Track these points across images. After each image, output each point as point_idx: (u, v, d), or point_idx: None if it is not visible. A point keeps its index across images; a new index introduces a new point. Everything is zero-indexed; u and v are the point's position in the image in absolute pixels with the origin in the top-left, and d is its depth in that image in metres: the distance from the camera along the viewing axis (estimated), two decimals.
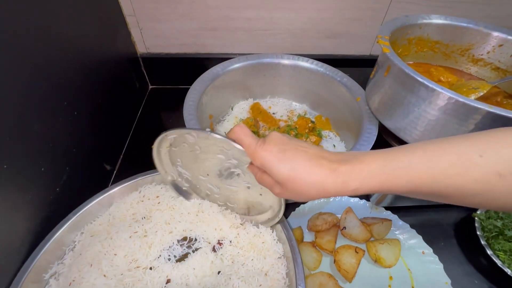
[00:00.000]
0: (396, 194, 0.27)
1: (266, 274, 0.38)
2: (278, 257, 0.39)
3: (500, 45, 0.54)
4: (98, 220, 0.43)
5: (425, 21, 0.56)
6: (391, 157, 0.26)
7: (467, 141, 0.25)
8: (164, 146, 0.39)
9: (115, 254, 0.38)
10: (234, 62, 0.63)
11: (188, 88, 0.56)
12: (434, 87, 0.39)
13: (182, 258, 0.40)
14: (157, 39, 0.71)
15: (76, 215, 0.41)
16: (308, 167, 0.27)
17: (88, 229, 0.42)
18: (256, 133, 0.61)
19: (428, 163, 0.24)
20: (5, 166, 0.32)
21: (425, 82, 0.40)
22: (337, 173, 0.26)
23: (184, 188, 0.45)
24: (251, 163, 0.33)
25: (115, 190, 0.45)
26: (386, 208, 0.51)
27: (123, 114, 0.66)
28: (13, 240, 0.35)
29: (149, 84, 0.80)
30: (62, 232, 0.39)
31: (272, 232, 0.41)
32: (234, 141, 0.31)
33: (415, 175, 0.25)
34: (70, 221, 0.40)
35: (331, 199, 0.52)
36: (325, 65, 0.63)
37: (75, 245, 0.40)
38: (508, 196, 0.23)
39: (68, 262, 0.38)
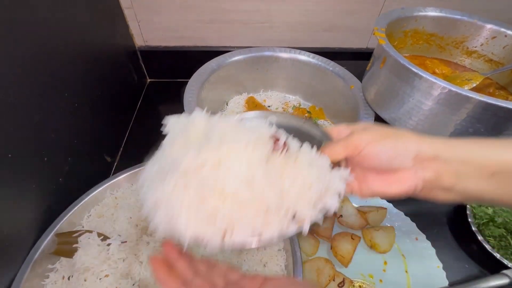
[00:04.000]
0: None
1: (265, 265, 0.39)
2: (278, 250, 0.40)
3: (493, 37, 0.55)
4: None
5: (420, 13, 0.56)
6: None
7: None
8: None
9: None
10: (228, 57, 0.63)
11: (186, 82, 0.56)
12: (428, 77, 0.40)
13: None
14: (155, 32, 0.71)
15: (87, 198, 0.42)
16: (407, 141, 0.26)
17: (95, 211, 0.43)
18: None
19: None
20: (9, 155, 0.33)
21: (420, 73, 0.41)
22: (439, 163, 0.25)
23: None
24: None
25: (121, 178, 0.46)
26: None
27: (122, 107, 0.66)
28: (21, 226, 0.36)
29: (147, 77, 0.80)
30: (72, 214, 0.40)
31: None
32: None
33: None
34: (80, 204, 0.41)
35: None
36: (317, 56, 0.64)
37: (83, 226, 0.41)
38: None
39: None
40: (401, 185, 0.26)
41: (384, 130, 0.27)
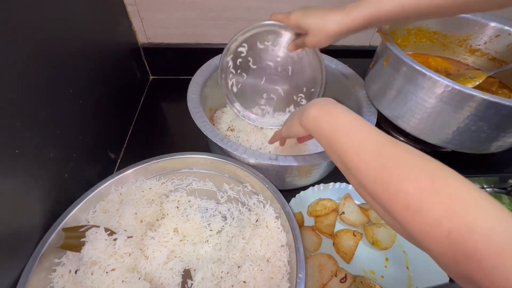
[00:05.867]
0: (388, 21, 0.37)
1: (268, 260, 0.39)
2: (281, 245, 0.41)
3: (497, 36, 0.55)
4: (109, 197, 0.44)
5: None
6: None
7: None
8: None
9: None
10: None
11: (189, 79, 0.57)
12: (432, 75, 0.40)
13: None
14: (158, 28, 0.71)
15: (92, 193, 0.43)
16: (324, 15, 0.39)
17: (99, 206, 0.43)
18: None
19: None
20: (17, 151, 0.33)
21: (423, 71, 0.41)
22: (346, 11, 0.38)
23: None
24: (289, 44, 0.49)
25: (125, 174, 0.46)
26: None
27: (125, 104, 0.67)
28: (28, 220, 0.36)
29: (150, 75, 0.80)
30: (77, 209, 0.41)
31: (277, 220, 0.42)
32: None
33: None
34: (85, 199, 0.42)
35: (330, 186, 0.53)
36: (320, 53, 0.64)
37: (88, 221, 0.42)
38: None
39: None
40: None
41: (313, 9, 0.41)
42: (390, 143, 0.26)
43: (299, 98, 0.55)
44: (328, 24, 0.39)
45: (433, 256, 0.21)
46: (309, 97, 0.55)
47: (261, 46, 0.51)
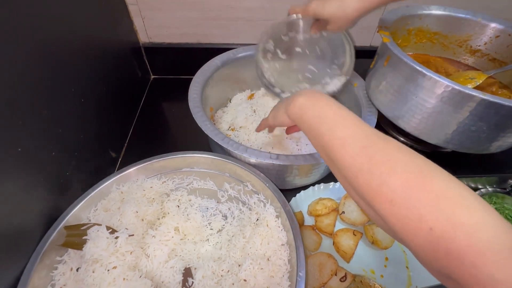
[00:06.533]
0: None
1: (268, 259, 0.39)
2: (282, 244, 0.41)
3: (497, 36, 0.55)
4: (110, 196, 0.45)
5: (425, 12, 0.57)
6: None
7: None
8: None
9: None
10: (232, 54, 0.63)
11: (190, 78, 0.57)
12: (432, 76, 0.40)
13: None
14: (159, 28, 0.71)
15: (93, 192, 0.43)
16: (341, 1, 0.41)
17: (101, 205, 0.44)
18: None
19: None
20: (19, 150, 0.34)
21: (424, 71, 0.41)
22: None
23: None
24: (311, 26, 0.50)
25: (126, 172, 0.46)
26: None
27: (127, 103, 0.67)
28: (30, 218, 0.36)
29: (151, 74, 0.81)
30: (79, 208, 0.41)
31: (278, 220, 0.43)
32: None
33: None
34: (86, 198, 0.42)
35: (330, 185, 0.53)
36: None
37: (90, 219, 0.42)
38: None
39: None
40: None
41: None
42: (377, 137, 0.25)
43: (333, 69, 0.57)
44: (347, 11, 0.41)
45: (413, 251, 0.21)
46: (341, 67, 0.56)
47: (285, 38, 0.53)
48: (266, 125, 0.43)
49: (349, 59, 0.55)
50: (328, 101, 0.31)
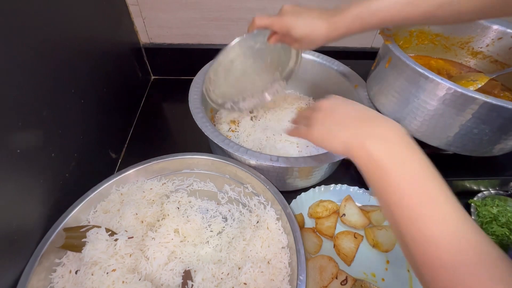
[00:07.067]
0: (370, 29, 0.39)
1: (269, 262, 0.39)
2: (282, 247, 0.40)
3: (499, 38, 0.55)
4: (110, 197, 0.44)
5: None
6: (365, 4, 0.37)
7: None
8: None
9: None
10: None
11: (190, 79, 0.57)
12: (434, 78, 0.40)
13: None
14: (160, 29, 0.71)
15: (93, 193, 0.43)
16: (313, 22, 0.39)
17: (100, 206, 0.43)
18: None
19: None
20: (18, 151, 0.33)
21: (425, 73, 0.41)
22: (331, 20, 0.39)
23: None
24: (270, 35, 0.45)
25: (126, 174, 0.46)
26: None
27: (127, 104, 0.67)
28: (29, 220, 0.36)
29: (152, 75, 0.81)
30: (78, 209, 0.41)
31: (278, 222, 0.42)
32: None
33: (384, 14, 0.36)
34: (86, 199, 0.42)
35: (331, 188, 0.53)
36: (322, 55, 0.64)
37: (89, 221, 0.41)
38: None
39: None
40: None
41: (302, 12, 0.40)
42: (470, 229, 0.21)
43: (276, 73, 0.57)
44: (314, 35, 0.40)
45: None
46: (285, 76, 0.57)
47: (242, 50, 0.48)
48: (299, 135, 0.38)
49: (292, 63, 0.55)
50: (412, 163, 0.25)
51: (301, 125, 0.38)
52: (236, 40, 0.45)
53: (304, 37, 0.40)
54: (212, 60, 0.47)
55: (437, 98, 0.41)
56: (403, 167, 0.25)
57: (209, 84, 0.50)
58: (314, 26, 0.39)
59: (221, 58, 0.47)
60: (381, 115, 0.32)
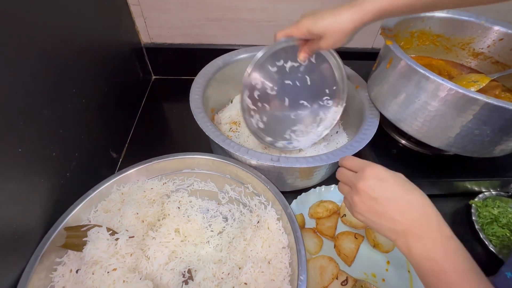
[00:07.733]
0: (399, 13, 0.38)
1: (269, 262, 0.39)
2: (283, 247, 0.41)
3: (501, 39, 0.55)
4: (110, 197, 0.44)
5: (427, 14, 0.56)
6: None
7: None
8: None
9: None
10: (234, 55, 0.63)
11: (191, 79, 0.57)
12: (435, 78, 0.40)
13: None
14: (161, 29, 0.71)
15: (94, 193, 0.43)
16: (335, 14, 0.38)
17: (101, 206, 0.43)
18: None
19: None
20: (19, 150, 0.33)
21: (426, 74, 0.41)
22: (357, 5, 0.38)
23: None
24: (299, 52, 0.46)
25: (127, 173, 0.46)
26: None
27: (128, 103, 0.67)
28: (30, 219, 0.36)
29: (152, 74, 0.81)
30: (79, 209, 0.41)
31: (279, 222, 0.42)
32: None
33: None
34: (87, 199, 0.42)
35: (331, 188, 0.53)
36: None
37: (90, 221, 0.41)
38: None
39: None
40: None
41: (321, 12, 0.40)
42: None
43: (325, 101, 0.54)
44: (343, 23, 0.38)
45: None
46: (333, 95, 0.53)
47: (273, 69, 0.48)
48: (342, 193, 0.36)
49: (341, 83, 0.51)
50: (445, 252, 0.28)
51: (345, 186, 0.35)
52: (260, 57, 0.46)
53: (328, 28, 0.39)
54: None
55: (438, 99, 0.41)
56: (453, 263, 0.27)
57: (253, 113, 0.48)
58: (338, 15, 0.38)
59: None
60: (417, 199, 0.31)
